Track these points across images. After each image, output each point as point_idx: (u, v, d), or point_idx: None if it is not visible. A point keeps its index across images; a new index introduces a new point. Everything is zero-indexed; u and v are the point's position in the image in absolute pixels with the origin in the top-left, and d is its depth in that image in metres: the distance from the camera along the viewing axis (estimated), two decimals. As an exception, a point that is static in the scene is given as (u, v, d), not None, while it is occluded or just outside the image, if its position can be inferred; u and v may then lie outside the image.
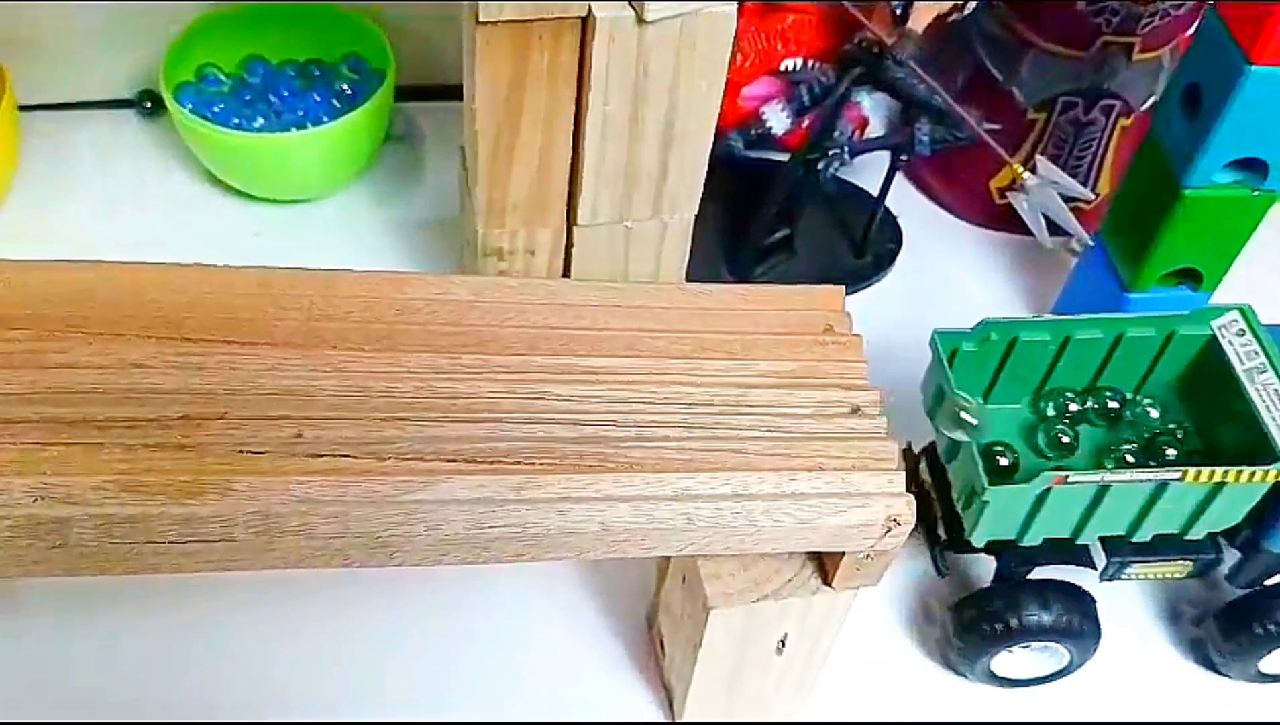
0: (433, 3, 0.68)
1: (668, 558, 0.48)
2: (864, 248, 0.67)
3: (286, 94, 0.64)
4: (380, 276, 0.41)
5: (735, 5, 0.44)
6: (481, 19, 0.43)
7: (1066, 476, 0.44)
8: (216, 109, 0.63)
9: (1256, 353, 0.47)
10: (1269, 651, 0.51)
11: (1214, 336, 0.48)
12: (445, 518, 0.36)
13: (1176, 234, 0.54)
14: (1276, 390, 0.46)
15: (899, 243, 0.68)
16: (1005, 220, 0.70)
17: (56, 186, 0.66)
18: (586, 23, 0.44)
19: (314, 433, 0.37)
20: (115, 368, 0.36)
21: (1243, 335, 0.48)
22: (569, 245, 0.54)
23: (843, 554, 0.41)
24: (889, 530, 0.40)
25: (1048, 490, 0.44)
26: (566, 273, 0.56)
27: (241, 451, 0.36)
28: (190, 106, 0.61)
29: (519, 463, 0.38)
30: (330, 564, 0.37)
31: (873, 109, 0.73)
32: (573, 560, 0.47)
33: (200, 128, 0.59)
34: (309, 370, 0.38)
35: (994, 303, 0.67)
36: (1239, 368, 0.47)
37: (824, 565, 0.43)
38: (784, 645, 0.46)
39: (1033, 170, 0.54)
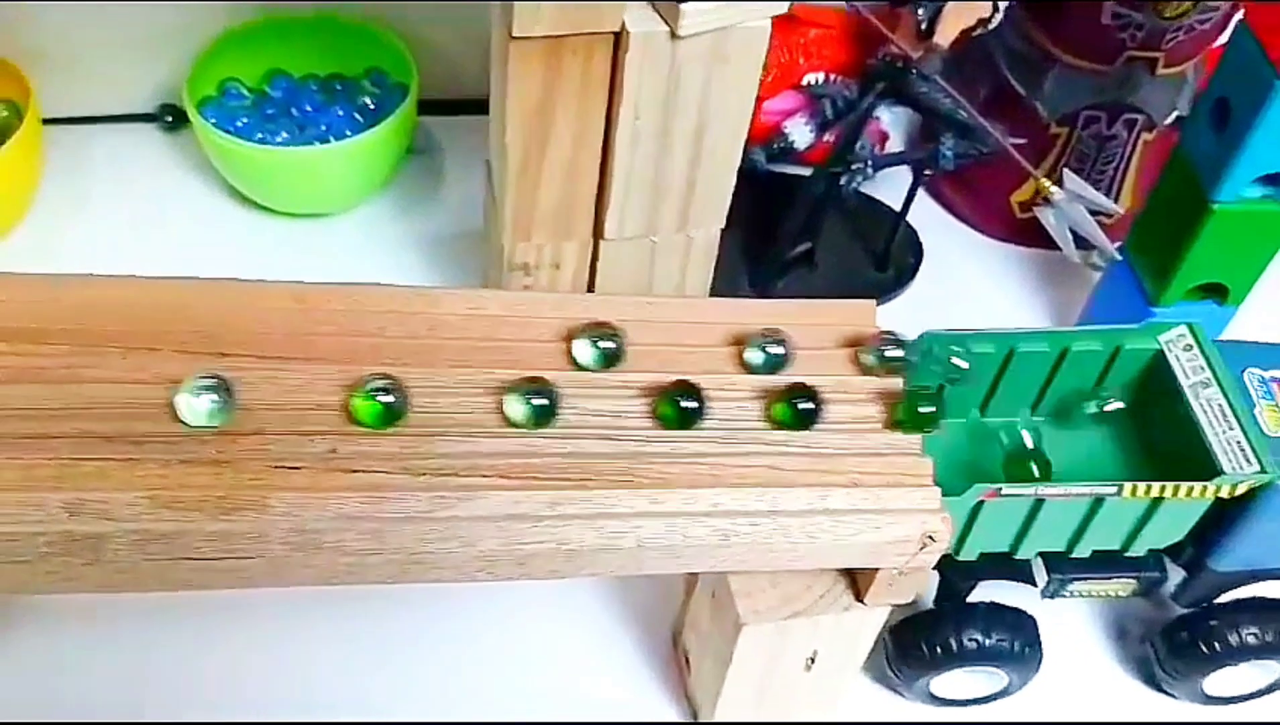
0: (453, 16, 0.69)
1: (695, 573, 0.47)
2: (885, 261, 0.67)
3: (309, 108, 0.64)
4: (414, 292, 0.41)
5: (769, 20, 0.44)
6: (516, 34, 0.43)
7: (999, 489, 0.44)
8: (239, 123, 0.63)
9: (1203, 368, 0.47)
10: (1214, 671, 0.50)
11: (1161, 351, 0.48)
12: (480, 534, 0.36)
13: (1204, 248, 0.54)
14: (1221, 406, 0.46)
15: (920, 256, 0.68)
16: (1026, 234, 0.70)
17: (78, 200, 0.66)
18: (619, 37, 0.44)
19: (349, 448, 0.36)
20: (151, 382, 0.36)
21: (1190, 350, 0.48)
22: (594, 259, 0.54)
23: (876, 570, 0.41)
24: (924, 547, 0.40)
25: (981, 503, 0.44)
26: (591, 287, 0.56)
27: (277, 467, 0.36)
28: (214, 121, 0.61)
29: (553, 478, 0.38)
30: (365, 580, 0.36)
31: (892, 123, 0.73)
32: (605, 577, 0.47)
33: (225, 142, 0.59)
34: (343, 386, 0.37)
35: (1015, 317, 0.67)
36: (1184, 383, 0.47)
37: (855, 581, 0.43)
38: (813, 662, 0.46)
39: (1059, 184, 0.54)
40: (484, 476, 0.37)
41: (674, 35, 0.43)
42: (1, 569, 0.33)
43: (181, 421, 0.36)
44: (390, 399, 0.37)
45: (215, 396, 0.36)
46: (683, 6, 0.42)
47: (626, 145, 0.48)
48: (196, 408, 0.35)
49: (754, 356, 0.41)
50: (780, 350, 0.40)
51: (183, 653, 0.50)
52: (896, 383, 0.42)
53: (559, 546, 0.37)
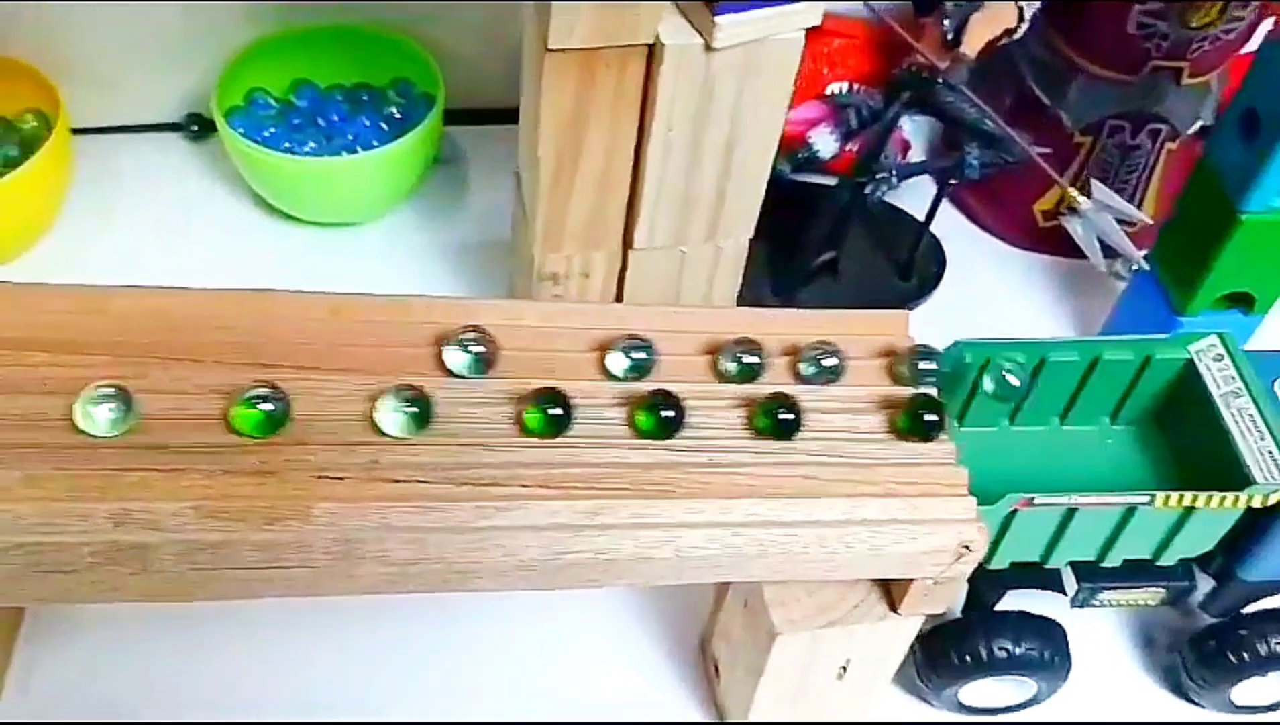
0: (476, 26, 0.69)
1: (726, 582, 0.48)
2: (908, 270, 0.67)
3: (336, 118, 0.64)
4: (452, 303, 0.41)
5: (803, 32, 0.44)
6: (551, 46, 0.43)
7: (1033, 499, 0.44)
8: (267, 133, 0.63)
9: (1234, 378, 0.47)
10: (1242, 680, 0.50)
11: (1191, 361, 0.48)
12: (522, 543, 0.36)
13: (1231, 258, 0.54)
14: (1252, 416, 0.46)
15: (943, 265, 0.68)
16: (1048, 242, 0.70)
17: (105, 209, 0.66)
18: (653, 49, 0.44)
19: (390, 458, 0.37)
20: (193, 393, 0.36)
21: (1220, 360, 0.48)
22: (623, 268, 0.54)
23: (910, 580, 0.41)
24: (960, 557, 0.40)
25: (1014, 512, 0.44)
26: (619, 296, 0.56)
27: (320, 477, 0.36)
28: (241, 131, 0.61)
29: (592, 488, 0.38)
30: (407, 589, 0.37)
31: (914, 132, 0.73)
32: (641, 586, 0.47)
33: (254, 152, 0.60)
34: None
35: (1038, 325, 0.67)
36: (1215, 393, 0.47)
37: (889, 591, 0.43)
38: (845, 671, 0.46)
39: (1087, 194, 0.54)
40: (524, 486, 0.37)
41: (708, 47, 0.44)
42: (48, 578, 0.34)
43: (236, 431, 0.36)
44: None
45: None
46: (718, 19, 0.43)
47: (658, 156, 0.48)
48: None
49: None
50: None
51: (205, 651, 0.50)
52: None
53: (598, 556, 0.37)
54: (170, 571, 0.34)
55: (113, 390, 0.35)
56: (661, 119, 0.46)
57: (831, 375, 0.41)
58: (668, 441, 0.39)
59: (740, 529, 0.38)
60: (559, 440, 0.38)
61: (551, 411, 0.38)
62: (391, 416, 0.37)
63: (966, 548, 0.39)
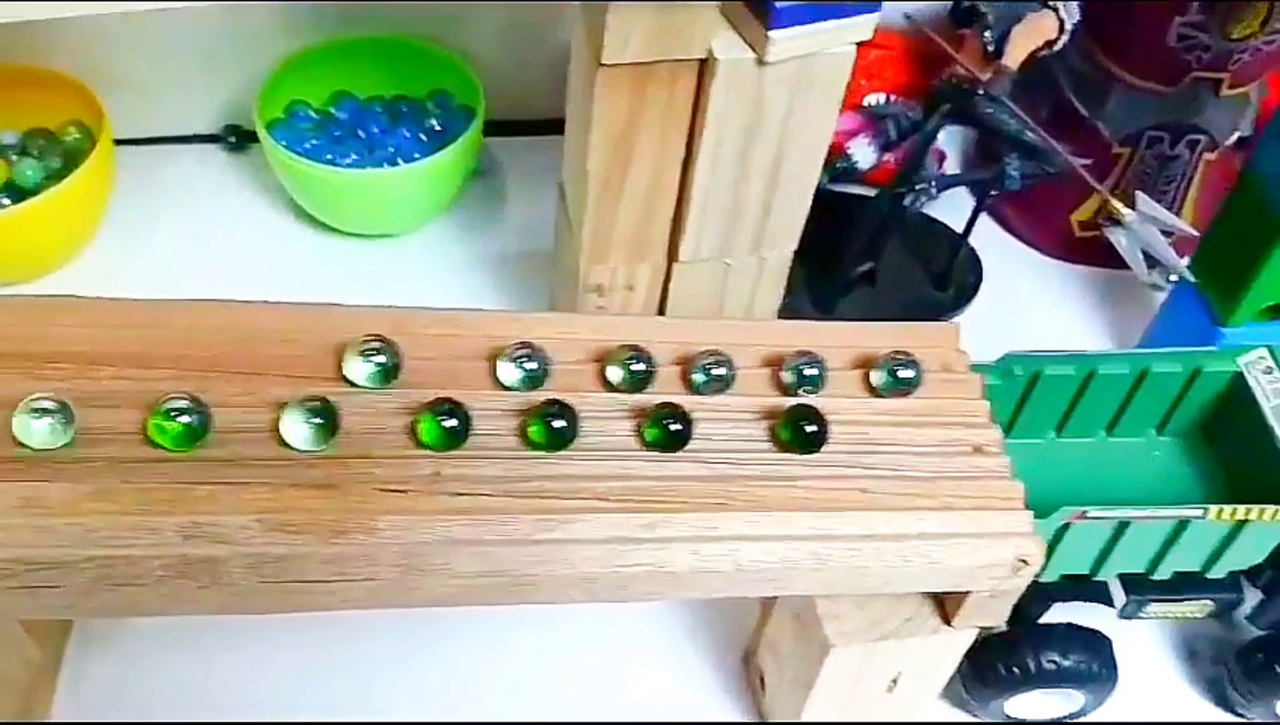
0: (514, 38, 0.69)
1: (773, 595, 0.48)
2: (945, 281, 0.67)
3: (376, 130, 0.65)
4: (509, 317, 0.41)
5: (854, 46, 0.45)
6: (605, 61, 0.43)
7: (1085, 512, 0.44)
8: (308, 145, 0.64)
9: None
10: None
11: (1240, 373, 0.48)
12: (583, 556, 0.37)
13: (1276, 269, 0.54)
14: None
15: (980, 276, 0.68)
16: (1085, 253, 0.70)
17: (147, 220, 0.66)
18: (705, 63, 0.44)
19: (452, 471, 0.37)
20: (258, 407, 0.37)
21: (1270, 373, 0.48)
22: (666, 280, 0.54)
23: (965, 593, 0.41)
24: (1017, 570, 0.40)
25: (1066, 525, 0.44)
26: (662, 308, 0.56)
27: (383, 490, 0.36)
28: (284, 143, 0.62)
29: (650, 501, 0.38)
30: (469, 602, 0.37)
31: (948, 142, 0.73)
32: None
33: (298, 165, 0.60)
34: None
35: (1074, 336, 0.67)
36: (1266, 405, 0.47)
37: (943, 604, 0.43)
38: (895, 684, 0.46)
39: (1131, 205, 0.54)
40: (583, 499, 0.37)
41: (760, 62, 0.44)
42: (119, 591, 0.34)
43: (289, 446, 0.36)
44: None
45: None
46: (771, 34, 0.43)
47: (706, 169, 0.48)
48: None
49: (879, 378, 0.41)
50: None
51: (253, 657, 0.51)
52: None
53: (658, 569, 0.37)
54: (238, 585, 0.34)
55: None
56: (711, 133, 0.46)
57: (910, 386, 0.41)
58: (722, 453, 0.39)
59: (799, 542, 0.38)
60: (615, 453, 0.38)
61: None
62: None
63: (1024, 561, 0.40)
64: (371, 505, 0.36)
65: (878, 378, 0.41)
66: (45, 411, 0.34)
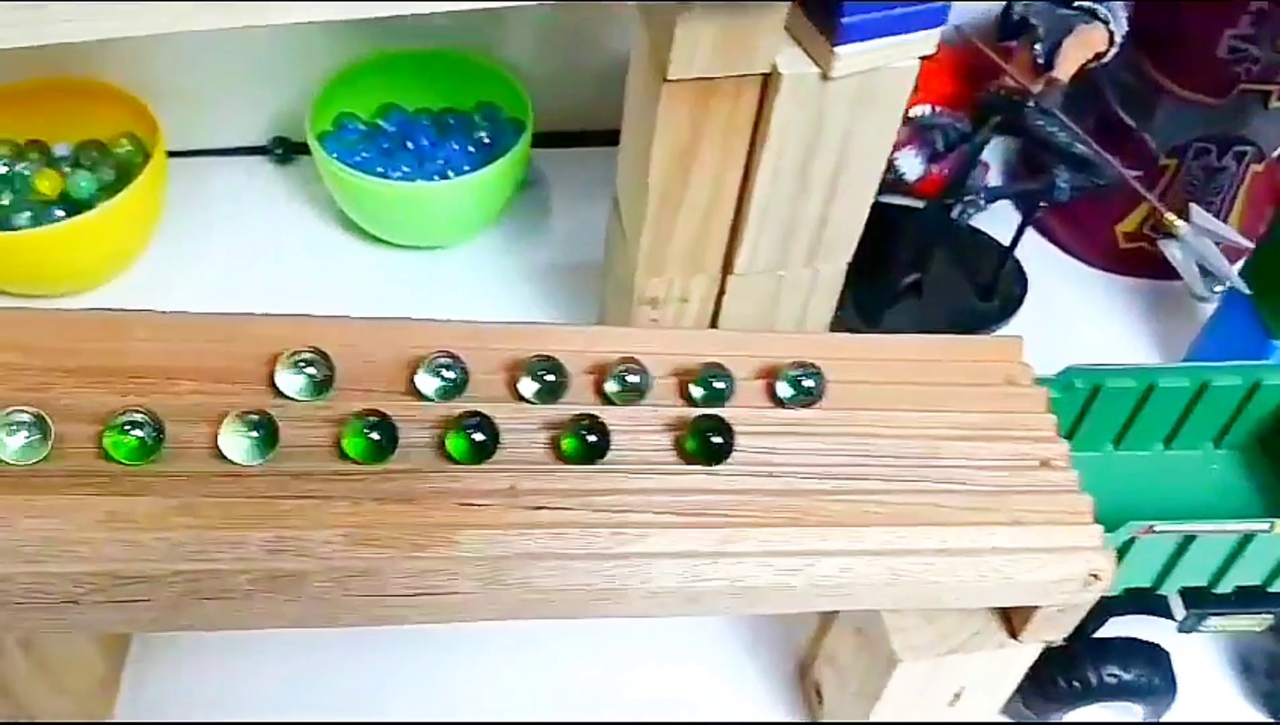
0: (560, 51, 0.70)
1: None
2: (991, 292, 0.67)
3: (425, 142, 0.65)
4: (576, 331, 0.41)
5: (917, 60, 0.45)
6: (670, 77, 0.43)
7: (1152, 527, 0.44)
8: (359, 157, 0.64)
9: None
10: None
11: None
12: (659, 570, 0.37)
13: (1330, 281, 0.54)
14: None
15: (1025, 287, 0.68)
16: (1130, 264, 0.70)
17: (198, 232, 0.67)
18: (768, 78, 0.45)
19: (528, 484, 0.37)
20: (323, 423, 0.37)
21: None
22: (720, 292, 0.55)
23: (1034, 608, 0.41)
24: (1087, 584, 0.40)
25: (1131, 540, 0.44)
26: (715, 321, 0.56)
27: (462, 504, 0.36)
28: (335, 155, 0.62)
29: (723, 516, 0.38)
30: (548, 615, 0.37)
31: (990, 154, 0.74)
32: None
33: (350, 177, 0.61)
34: (519, 424, 0.38)
35: (1120, 347, 0.67)
36: None
37: (1010, 618, 0.43)
38: (959, 697, 0.46)
39: (1186, 218, 0.54)
40: (657, 513, 0.38)
41: (824, 77, 0.44)
42: (207, 605, 0.34)
43: (351, 459, 0.36)
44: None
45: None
46: (836, 49, 0.43)
47: (766, 182, 0.48)
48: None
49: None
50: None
51: (316, 664, 0.51)
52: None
53: (732, 583, 0.37)
54: (324, 598, 0.35)
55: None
56: (773, 146, 0.47)
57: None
58: (792, 467, 0.39)
59: (873, 557, 0.38)
60: (692, 467, 0.39)
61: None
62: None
63: (1095, 576, 0.40)
64: (452, 519, 0.36)
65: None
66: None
